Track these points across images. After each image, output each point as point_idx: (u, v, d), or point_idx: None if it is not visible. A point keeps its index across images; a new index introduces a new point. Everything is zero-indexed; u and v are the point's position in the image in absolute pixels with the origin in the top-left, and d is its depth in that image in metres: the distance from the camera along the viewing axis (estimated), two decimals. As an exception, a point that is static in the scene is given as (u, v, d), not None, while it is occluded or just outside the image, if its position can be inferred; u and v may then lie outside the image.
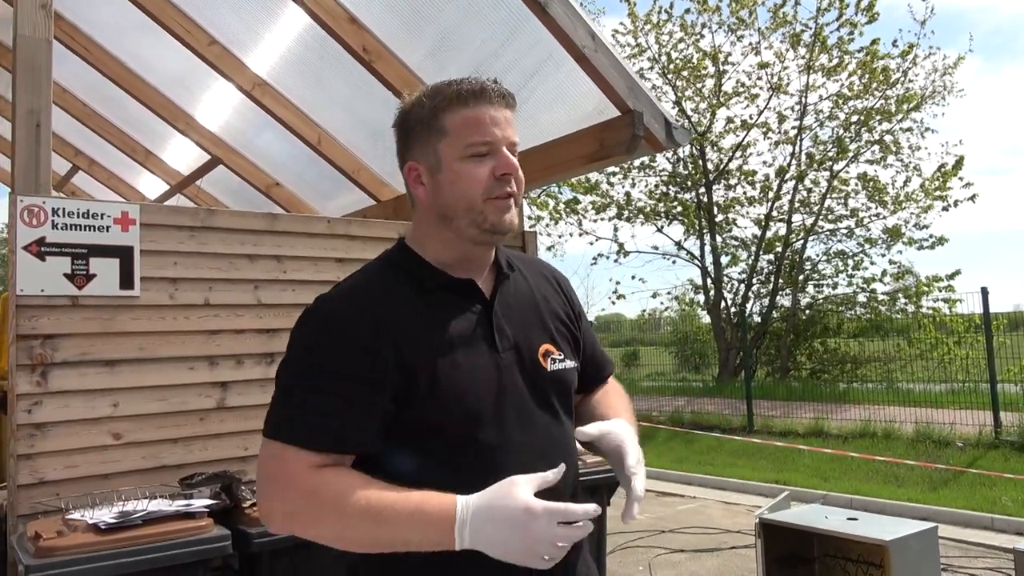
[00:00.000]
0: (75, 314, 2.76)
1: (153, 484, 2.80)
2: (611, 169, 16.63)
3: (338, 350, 1.15)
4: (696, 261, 17.33)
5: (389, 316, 1.18)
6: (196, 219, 3.09)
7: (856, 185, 15.71)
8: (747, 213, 17.00)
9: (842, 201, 15.98)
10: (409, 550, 1.09)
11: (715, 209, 16.73)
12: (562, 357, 1.30)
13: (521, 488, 1.07)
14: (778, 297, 16.51)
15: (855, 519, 2.72)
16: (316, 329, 1.18)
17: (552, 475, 1.11)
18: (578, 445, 1.31)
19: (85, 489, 2.67)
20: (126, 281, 2.88)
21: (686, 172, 16.83)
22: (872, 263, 15.95)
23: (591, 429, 1.27)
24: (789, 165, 15.99)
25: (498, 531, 1.05)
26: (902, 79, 14.90)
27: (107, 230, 2.84)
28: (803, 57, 15.23)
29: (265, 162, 6.30)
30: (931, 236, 15.27)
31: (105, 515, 2.32)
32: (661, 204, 17.19)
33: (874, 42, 14.69)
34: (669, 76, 16.33)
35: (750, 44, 15.74)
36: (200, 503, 2.49)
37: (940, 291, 14.63)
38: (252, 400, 3.15)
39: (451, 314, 1.23)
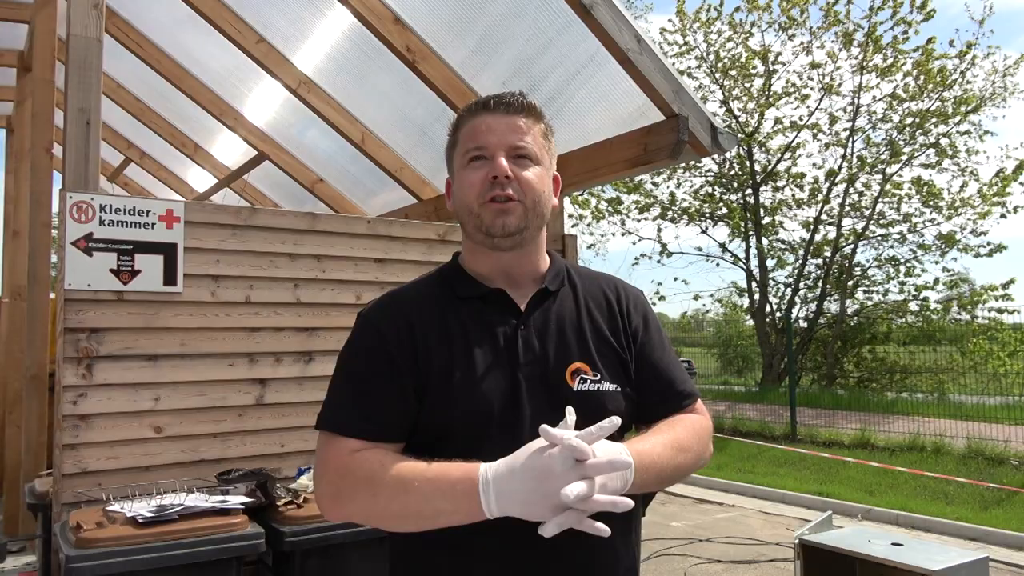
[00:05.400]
0: (120, 309, 2.81)
1: (191, 478, 2.84)
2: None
3: (367, 349, 1.24)
4: (741, 264, 17.05)
5: (416, 320, 1.25)
6: (239, 218, 3.13)
7: (910, 189, 15.25)
8: (795, 216, 16.66)
9: (895, 206, 15.54)
10: (439, 522, 1.10)
11: (762, 211, 16.42)
12: (597, 378, 1.25)
13: (541, 440, 1.07)
14: (826, 303, 16.14)
15: (900, 544, 2.61)
16: (355, 331, 1.29)
17: (570, 419, 1.09)
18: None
19: (126, 480, 2.72)
20: (170, 277, 2.92)
21: (732, 173, 16.55)
22: (924, 270, 15.50)
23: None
24: (840, 168, 15.61)
25: (519, 479, 1.04)
26: (960, 80, 14.41)
27: (152, 227, 2.89)
28: (856, 57, 14.84)
29: (310, 159, 6.38)
30: (988, 243, 14.77)
31: (143, 508, 2.36)
32: (706, 205, 16.95)
33: (930, 41, 14.23)
34: (717, 75, 16.07)
35: (801, 43, 15.42)
36: (236, 500, 2.51)
37: (996, 300, 14.15)
38: (290, 398, 3.17)
39: (478, 324, 1.25)
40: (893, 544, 2.60)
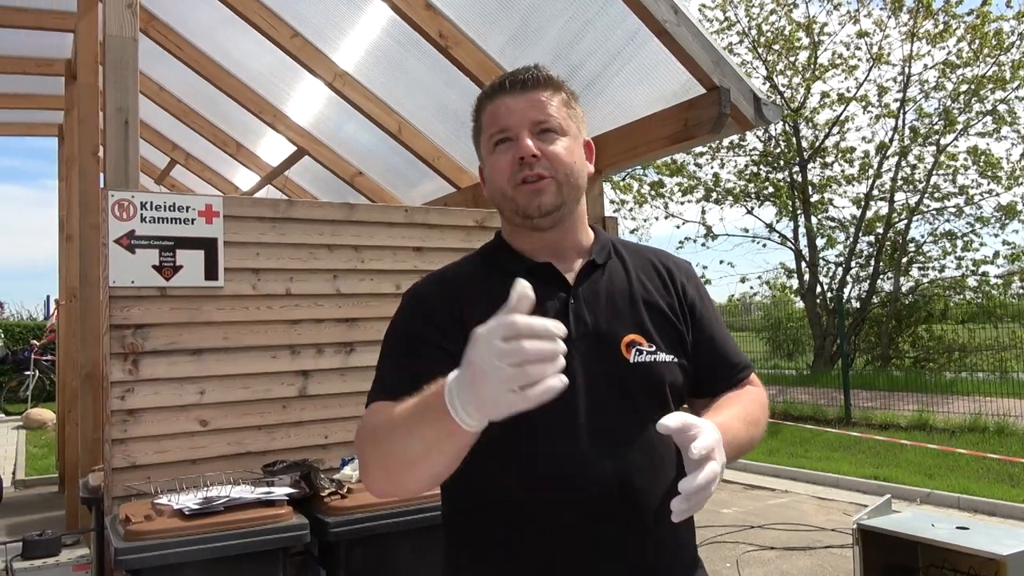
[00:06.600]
0: (163, 304, 2.85)
1: (237, 470, 2.87)
2: (698, 149, 16.14)
3: (409, 326, 1.24)
4: (789, 244, 16.63)
5: (464, 296, 1.23)
6: (277, 210, 3.13)
7: (965, 160, 14.65)
8: (845, 192, 16.16)
9: (950, 178, 14.94)
10: (431, 453, 0.99)
11: (810, 189, 15.96)
12: (653, 349, 1.22)
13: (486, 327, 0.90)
14: (879, 281, 15.63)
15: (966, 528, 2.48)
16: (399, 309, 1.29)
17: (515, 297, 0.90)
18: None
19: (174, 473, 2.76)
20: (211, 272, 2.95)
21: (778, 151, 16.13)
22: (983, 244, 14.88)
23: (670, 421, 1.02)
24: (891, 140, 15.06)
25: (467, 370, 0.90)
26: (1018, 42, 13.74)
27: (192, 223, 2.91)
28: (905, 24, 14.28)
29: (349, 152, 6.40)
30: (1053, 213, 14.11)
31: (190, 500, 2.39)
32: (751, 185, 16.56)
33: (985, 3, 13.58)
34: (760, 50, 15.65)
35: (848, 13, 14.95)
36: (280, 491, 2.52)
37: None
38: (332, 388, 3.18)
39: None
40: (959, 528, 2.47)
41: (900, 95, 14.82)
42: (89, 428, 4.35)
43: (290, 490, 2.56)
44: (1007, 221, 14.47)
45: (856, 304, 15.65)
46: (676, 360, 1.24)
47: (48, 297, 18.36)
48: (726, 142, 15.94)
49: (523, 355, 0.84)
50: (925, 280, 15.50)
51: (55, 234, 7.45)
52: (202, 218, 2.94)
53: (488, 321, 0.89)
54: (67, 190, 6.73)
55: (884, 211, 15.52)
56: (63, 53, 6.29)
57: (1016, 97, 14.20)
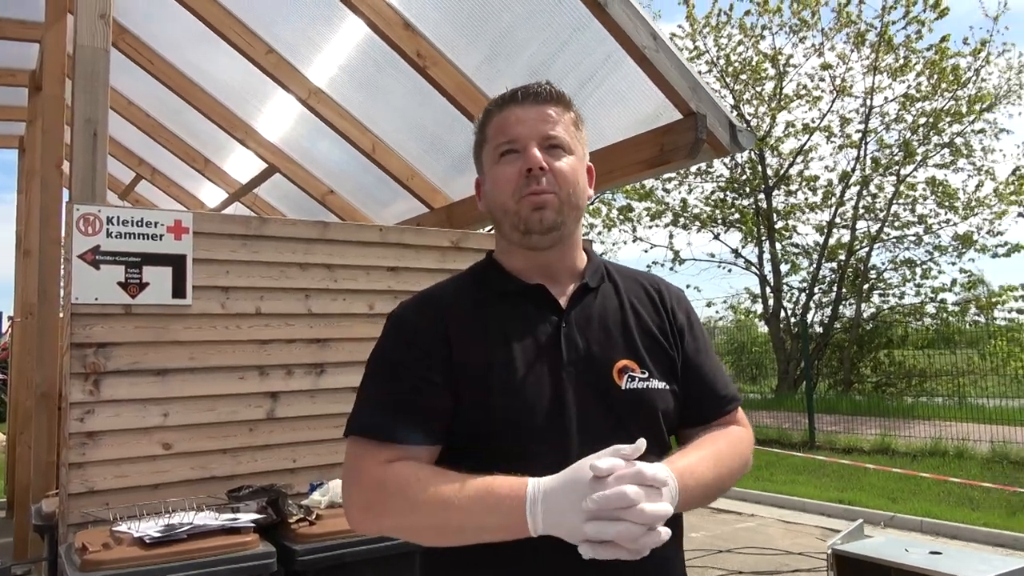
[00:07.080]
0: (128, 323, 2.75)
1: (201, 495, 2.77)
2: (666, 175, 16.37)
3: (397, 348, 1.19)
4: (754, 269, 16.91)
5: (451, 317, 1.19)
6: (248, 228, 3.07)
7: (924, 190, 15.10)
8: (808, 220, 16.52)
9: (909, 207, 15.38)
10: (482, 538, 1.04)
11: (775, 216, 16.28)
12: (646, 375, 1.20)
13: (594, 459, 1.00)
14: (841, 307, 15.95)
15: (939, 553, 2.50)
16: (385, 331, 1.24)
17: (629, 449, 1.00)
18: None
19: (134, 499, 2.65)
20: (179, 290, 2.86)
21: (744, 178, 16.43)
22: (941, 272, 15.30)
23: (601, 463, 0.99)
24: (853, 170, 15.47)
25: (567, 500, 0.98)
26: (974, 78, 14.26)
27: (160, 239, 2.83)
28: (868, 58, 14.73)
29: (320, 170, 6.34)
30: (1006, 243, 14.59)
31: (151, 528, 2.29)
32: (718, 211, 16.83)
33: (943, 39, 14.11)
34: (727, 79, 15.99)
35: (812, 45, 15.32)
36: (246, 517, 2.44)
37: (1015, 301, 13.96)
38: (301, 411, 3.10)
39: (517, 320, 1.21)
40: (932, 552, 2.49)
41: (862, 126, 15.26)
42: (43, 451, 4.17)
43: (256, 516, 2.47)
44: (964, 250, 14.92)
45: (819, 329, 15.93)
46: (668, 387, 1.22)
47: (1, 313, 17.76)
48: (693, 168, 16.21)
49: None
50: (886, 306, 15.87)
51: (11, 249, 7.23)
52: (171, 234, 2.86)
53: (610, 462, 0.97)
54: (26, 203, 6.54)
55: (846, 238, 15.90)
56: (27, 64, 6.15)
57: (972, 131, 14.72)
